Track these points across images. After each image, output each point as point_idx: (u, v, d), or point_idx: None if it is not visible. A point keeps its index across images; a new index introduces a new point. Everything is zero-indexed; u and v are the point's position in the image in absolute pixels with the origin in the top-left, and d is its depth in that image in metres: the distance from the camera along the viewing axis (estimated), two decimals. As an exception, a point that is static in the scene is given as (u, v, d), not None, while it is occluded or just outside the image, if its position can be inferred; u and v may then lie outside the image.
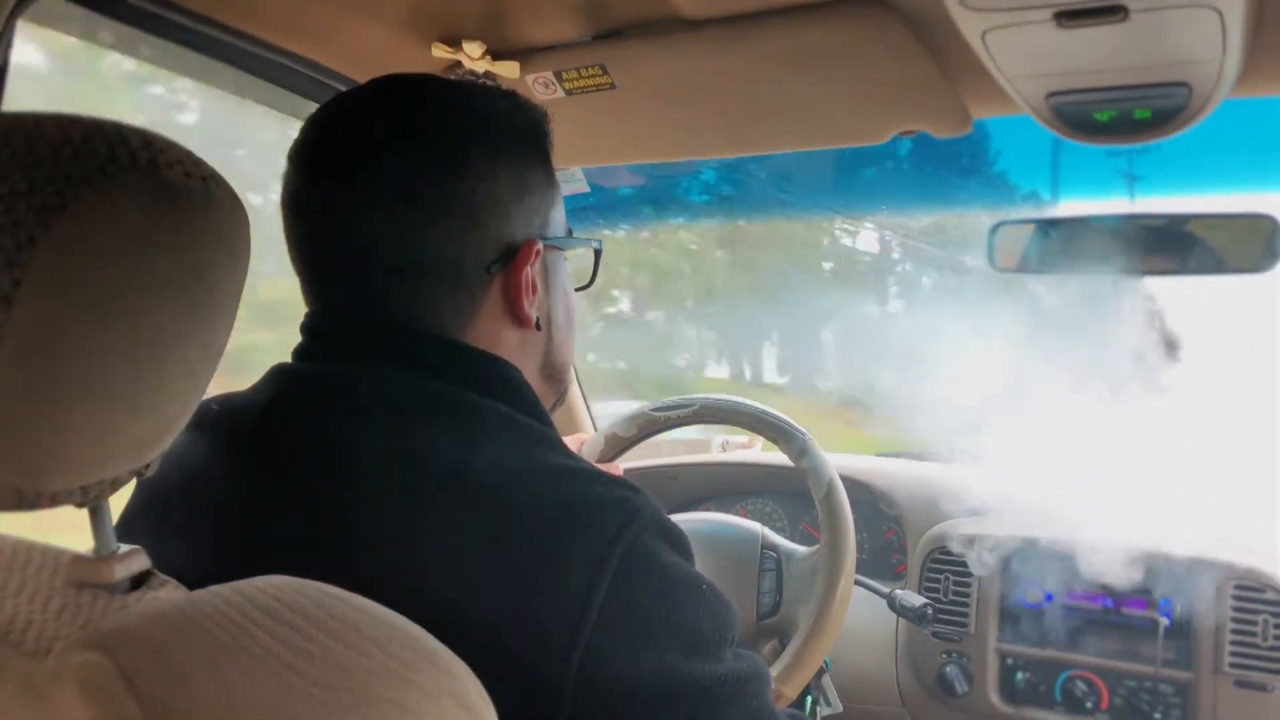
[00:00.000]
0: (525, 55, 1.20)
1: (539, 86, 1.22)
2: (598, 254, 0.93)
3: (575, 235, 0.87)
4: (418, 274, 0.74)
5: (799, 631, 1.17)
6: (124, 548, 0.53)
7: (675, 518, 1.29)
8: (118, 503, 0.69)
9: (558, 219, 0.83)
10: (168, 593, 0.54)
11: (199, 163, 0.49)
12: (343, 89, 1.12)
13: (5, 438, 0.44)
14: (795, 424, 1.26)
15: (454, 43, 1.17)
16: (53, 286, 0.43)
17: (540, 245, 0.79)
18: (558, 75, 1.21)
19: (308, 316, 0.78)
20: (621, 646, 0.64)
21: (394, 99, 0.78)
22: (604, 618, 0.63)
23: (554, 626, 0.62)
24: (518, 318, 0.79)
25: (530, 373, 0.82)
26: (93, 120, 0.46)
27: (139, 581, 0.54)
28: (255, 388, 0.76)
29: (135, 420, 0.48)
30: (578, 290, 0.91)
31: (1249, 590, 1.43)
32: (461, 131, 0.76)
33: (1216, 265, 1.16)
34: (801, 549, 1.27)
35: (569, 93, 1.23)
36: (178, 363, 0.49)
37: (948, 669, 1.56)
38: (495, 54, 1.20)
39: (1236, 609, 1.42)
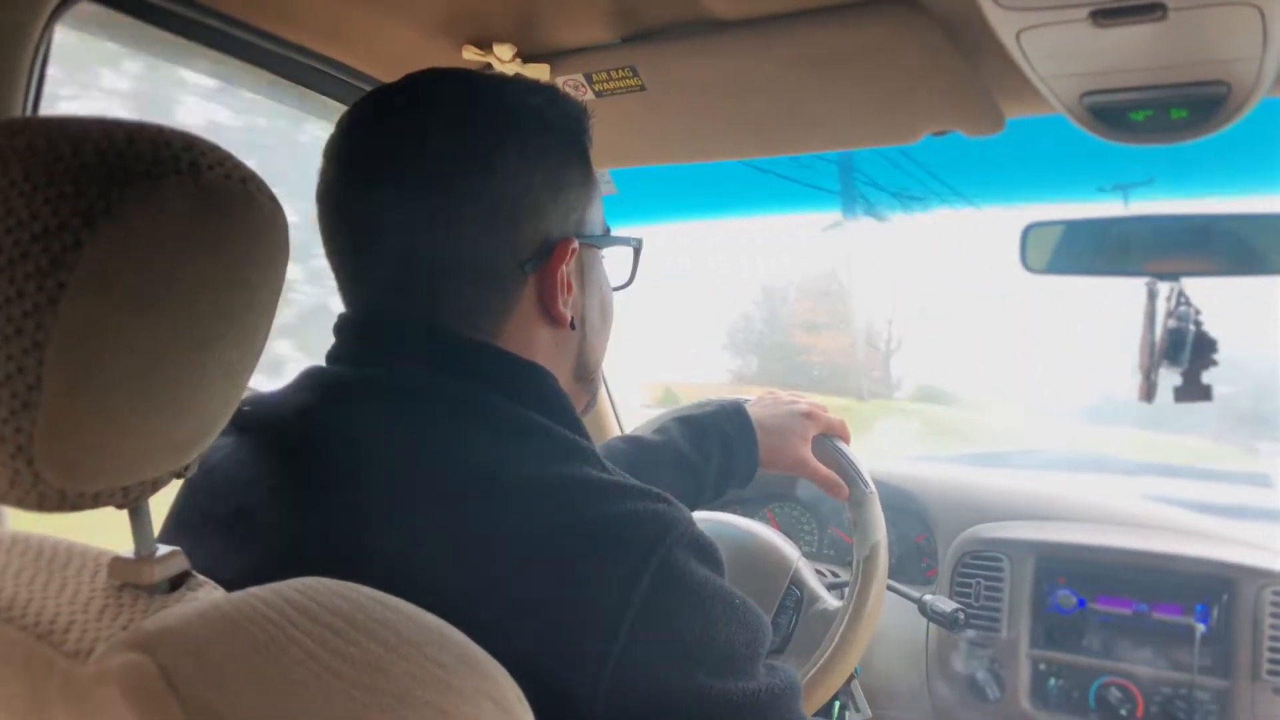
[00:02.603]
0: (555, 57, 1.21)
1: (569, 88, 1.23)
2: (637, 252, 0.91)
3: (614, 234, 0.86)
4: (451, 271, 0.74)
5: None
6: (163, 549, 0.53)
7: (710, 517, 1.29)
8: (164, 501, 0.70)
9: (595, 217, 0.82)
10: (206, 594, 0.54)
11: (239, 165, 0.49)
12: (374, 92, 1.13)
13: (49, 438, 0.44)
14: (865, 473, 1.21)
15: (484, 45, 1.18)
16: (97, 288, 0.43)
17: (577, 243, 0.78)
18: (588, 77, 1.21)
19: (341, 318, 0.78)
20: (653, 665, 0.63)
21: (428, 94, 0.77)
22: (635, 636, 0.62)
23: (585, 644, 0.61)
24: (552, 316, 0.78)
25: (564, 373, 0.81)
26: (136, 123, 0.47)
27: (178, 583, 0.54)
28: (288, 389, 0.76)
29: (176, 421, 0.48)
30: (616, 290, 0.89)
31: None
32: (497, 126, 0.75)
33: (1257, 266, 1.14)
34: (826, 599, 1.21)
35: (599, 94, 1.23)
36: (218, 364, 0.49)
37: (979, 675, 1.55)
38: (526, 56, 1.20)
39: (1275, 615, 1.40)
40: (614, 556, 0.64)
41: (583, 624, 0.62)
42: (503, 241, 0.74)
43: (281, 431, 0.73)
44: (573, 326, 0.80)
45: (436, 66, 0.80)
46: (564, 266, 0.77)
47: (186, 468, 0.53)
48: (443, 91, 0.77)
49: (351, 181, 0.75)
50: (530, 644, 0.60)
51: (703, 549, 0.69)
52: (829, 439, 1.23)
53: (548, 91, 0.80)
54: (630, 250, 0.90)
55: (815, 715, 1.19)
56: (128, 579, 0.53)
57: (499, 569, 0.63)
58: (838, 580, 1.40)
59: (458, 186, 0.73)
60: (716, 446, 1.16)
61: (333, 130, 0.78)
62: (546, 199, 0.76)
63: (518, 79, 0.82)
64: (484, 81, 0.79)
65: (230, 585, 0.53)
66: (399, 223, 0.73)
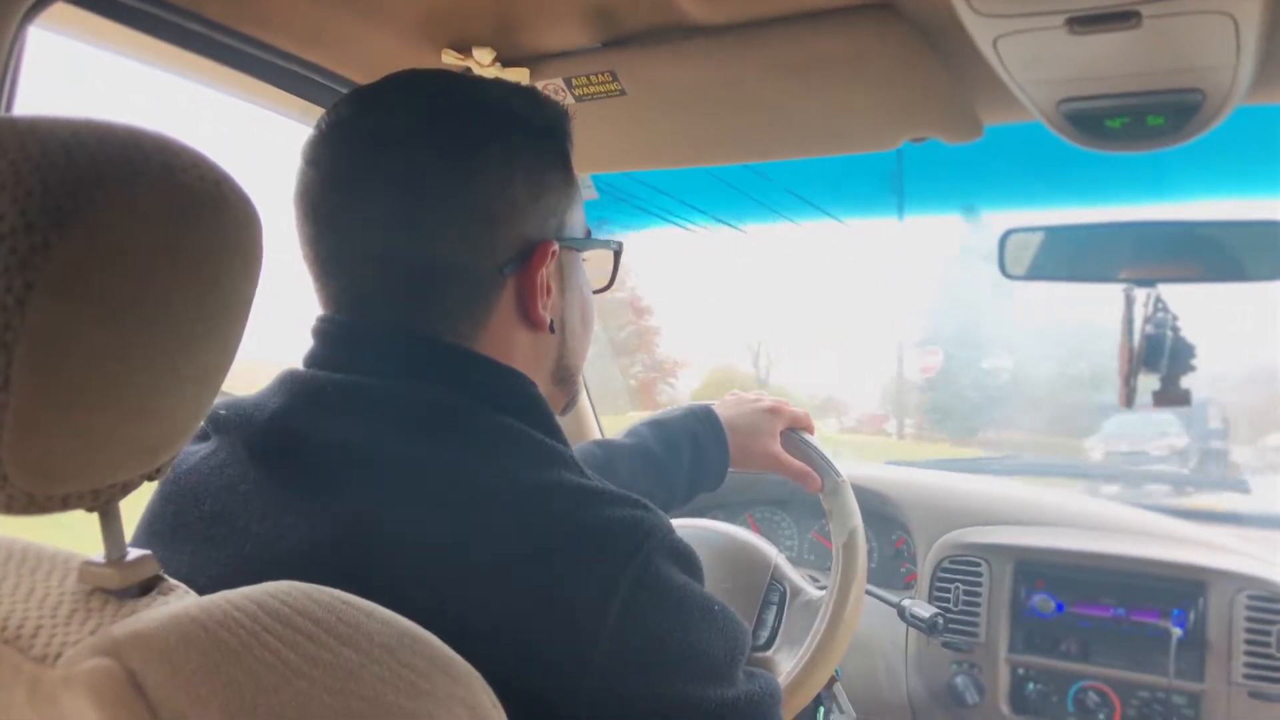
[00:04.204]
0: (535, 62, 1.21)
1: (549, 93, 1.22)
2: (617, 255, 0.91)
3: (594, 236, 0.85)
4: (430, 275, 0.73)
5: (783, 675, 1.11)
6: (134, 552, 0.53)
7: (689, 523, 1.29)
8: (139, 504, 0.69)
9: (575, 219, 0.82)
10: (177, 598, 0.54)
11: (212, 166, 0.49)
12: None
13: (18, 441, 0.44)
14: (833, 462, 1.21)
15: (464, 49, 1.17)
16: (66, 290, 0.43)
17: (556, 246, 0.78)
18: (568, 82, 1.21)
19: (319, 320, 0.77)
20: (633, 674, 0.62)
21: (408, 95, 0.76)
22: (614, 645, 0.61)
23: (564, 651, 0.61)
24: (531, 320, 0.77)
25: (542, 377, 0.81)
26: (108, 124, 0.46)
27: (149, 587, 0.53)
28: (264, 393, 0.75)
29: (148, 424, 0.48)
30: (596, 292, 0.89)
31: (1262, 601, 1.42)
32: (478, 128, 0.74)
33: (1236, 273, 1.15)
34: (809, 590, 1.21)
35: (579, 99, 1.23)
36: (191, 367, 0.48)
37: (958, 679, 1.56)
38: (505, 61, 1.20)
39: (1250, 620, 1.41)
40: (592, 563, 0.63)
41: (561, 631, 0.61)
42: (481, 244, 0.74)
43: (258, 436, 0.72)
44: (552, 330, 0.80)
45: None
46: (543, 269, 0.77)
47: (158, 470, 0.53)
48: (421, 93, 0.76)
49: (328, 183, 0.74)
50: (509, 650, 0.60)
51: (681, 556, 0.69)
52: (795, 433, 1.24)
53: (527, 93, 0.79)
54: (610, 253, 0.90)
55: (798, 718, 1.19)
56: (98, 583, 0.52)
57: (477, 575, 0.62)
58: (820, 585, 1.40)
59: (436, 188, 0.72)
60: (687, 448, 1.17)
61: (310, 132, 0.77)
62: (526, 201, 0.76)
63: (499, 81, 0.81)
64: (463, 83, 0.79)
65: (204, 590, 0.52)
66: (376, 225, 0.73)
